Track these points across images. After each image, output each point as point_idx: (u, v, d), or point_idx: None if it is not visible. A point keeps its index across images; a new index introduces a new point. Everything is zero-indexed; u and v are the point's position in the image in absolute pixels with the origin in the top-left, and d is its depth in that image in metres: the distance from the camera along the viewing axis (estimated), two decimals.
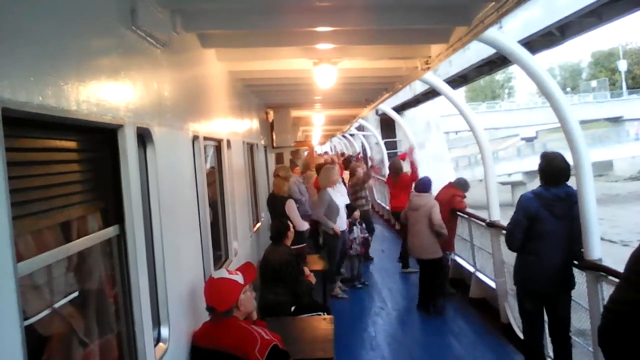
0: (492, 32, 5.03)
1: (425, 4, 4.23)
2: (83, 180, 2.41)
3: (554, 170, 5.15)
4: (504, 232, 7.11)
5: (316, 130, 19.97)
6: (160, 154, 3.18)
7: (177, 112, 3.82)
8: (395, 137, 30.55)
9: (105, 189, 2.58)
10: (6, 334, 1.58)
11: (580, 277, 5.20)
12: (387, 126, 29.26)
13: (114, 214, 2.60)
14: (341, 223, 8.87)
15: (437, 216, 7.80)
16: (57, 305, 2.22)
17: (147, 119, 3.03)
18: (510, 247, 5.45)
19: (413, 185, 11.29)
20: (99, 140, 2.55)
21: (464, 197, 9.34)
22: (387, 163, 20.21)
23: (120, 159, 2.61)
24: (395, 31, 4.96)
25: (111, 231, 2.56)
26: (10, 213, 1.60)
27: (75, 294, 2.38)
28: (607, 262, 5.02)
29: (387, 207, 17.18)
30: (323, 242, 9.29)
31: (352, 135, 27.58)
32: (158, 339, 3.13)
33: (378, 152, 24.64)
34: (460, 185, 9.22)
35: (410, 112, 29.34)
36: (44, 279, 2.08)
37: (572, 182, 5.18)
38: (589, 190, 5.09)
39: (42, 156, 2.09)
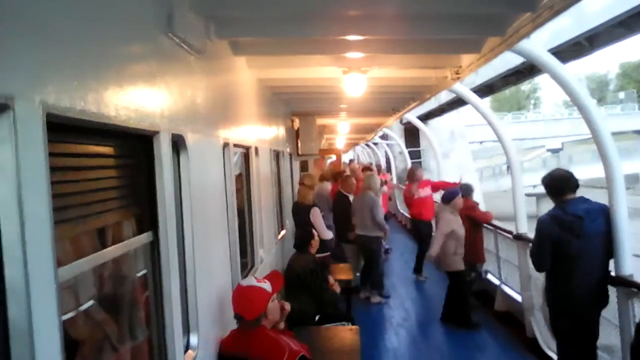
0: (522, 42, 4.97)
1: (457, 13, 4.18)
2: (119, 186, 2.42)
3: (557, 181, 5.02)
4: (531, 244, 7.02)
5: (340, 139, 19.99)
6: (193, 160, 3.19)
7: (209, 119, 3.84)
8: (419, 146, 30.39)
9: (140, 195, 2.59)
10: (47, 338, 1.59)
11: (610, 293, 5.07)
12: (411, 135, 29.13)
13: (148, 220, 2.61)
14: None
15: (441, 228, 7.79)
16: (91, 309, 2.23)
17: (181, 125, 3.04)
18: (539, 270, 5.33)
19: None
20: (134, 146, 2.56)
21: (477, 204, 9.20)
22: None
23: (155, 165, 2.62)
24: (427, 41, 4.92)
25: (145, 237, 2.57)
26: (53, 219, 1.61)
27: (109, 299, 2.40)
28: (637, 278, 4.90)
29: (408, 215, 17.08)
30: (364, 250, 9.31)
31: (375, 144, 27.51)
32: (187, 346, 3.13)
33: (402, 161, 24.56)
34: (467, 194, 9.05)
35: (434, 122, 29.19)
36: (79, 283, 2.09)
37: (598, 197, 5.08)
38: (621, 203, 4.97)
39: (81, 162, 2.11)
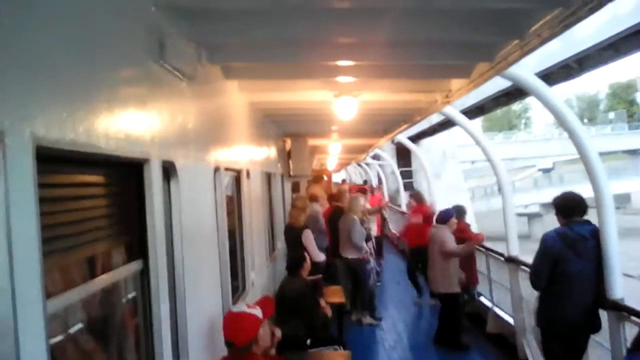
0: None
1: (447, 40, 4.24)
2: (109, 214, 2.42)
3: (569, 202, 5.11)
4: (522, 267, 7.05)
5: (332, 159, 20.04)
6: (183, 187, 3.19)
7: (200, 144, 3.86)
8: (411, 166, 30.45)
9: (130, 223, 2.59)
10: None
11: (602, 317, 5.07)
12: (403, 155, 29.16)
13: (137, 248, 2.61)
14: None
15: (447, 245, 7.72)
16: (80, 337, 2.21)
17: (171, 152, 3.05)
18: (535, 287, 5.35)
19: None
20: (125, 174, 2.57)
21: (469, 225, 9.21)
22: (402, 192, 20.15)
23: (145, 193, 2.62)
24: (417, 66, 4.98)
25: (135, 265, 2.56)
26: (42, 251, 1.61)
27: (98, 327, 2.38)
28: (627, 298, 4.90)
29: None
30: (353, 272, 9.25)
31: (367, 164, 27.56)
32: None
33: (394, 181, 24.59)
34: (460, 216, 9.02)
35: (426, 142, 29.26)
36: (68, 311, 2.08)
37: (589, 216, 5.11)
38: (610, 224, 4.97)
39: (71, 191, 2.11)
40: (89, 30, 2.10)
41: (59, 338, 2.00)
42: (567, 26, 3.18)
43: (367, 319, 9.18)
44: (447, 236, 7.74)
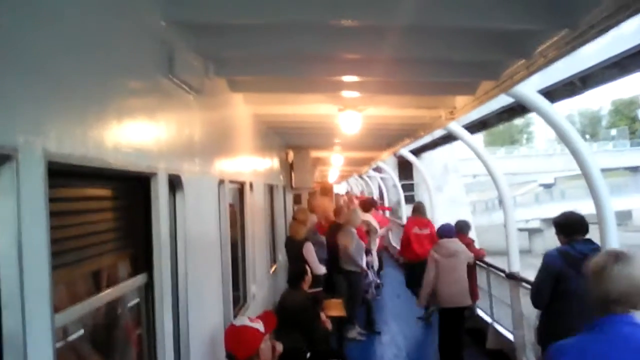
0: None
1: (452, 58, 4.24)
2: (116, 228, 2.43)
3: (570, 221, 5.12)
4: (523, 283, 7.03)
5: (333, 171, 20.07)
6: (189, 200, 3.20)
7: (205, 156, 3.87)
8: (412, 179, 30.42)
9: (136, 237, 2.60)
10: None
11: None
12: (405, 168, 29.11)
13: (143, 261, 2.62)
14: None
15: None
16: (84, 350, 2.22)
17: (178, 165, 3.07)
18: (537, 306, 5.35)
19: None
20: (132, 188, 2.58)
21: (473, 241, 9.21)
22: (403, 205, 20.13)
23: (152, 206, 2.64)
24: (422, 83, 5.00)
25: (140, 279, 2.57)
26: (51, 265, 1.62)
27: (102, 340, 2.39)
28: None
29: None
30: (348, 284, 9.19)
31: (369, 176, 27.54)
32: None
33: (395, 194, 24.58)
34: (464, 231, 9.00)
35: (428, 155, 29.24)
36: (74, 325, 2.09)
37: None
38: (612, 241, 4.97)
39: (79, 205, 2.12)
40: (100, 45, 2.12)
41: (65, 351, 2.00)
42: (574, 47, 3.20)
43: (353, 333, 9.03)
44: (463, 248, 7.74)
